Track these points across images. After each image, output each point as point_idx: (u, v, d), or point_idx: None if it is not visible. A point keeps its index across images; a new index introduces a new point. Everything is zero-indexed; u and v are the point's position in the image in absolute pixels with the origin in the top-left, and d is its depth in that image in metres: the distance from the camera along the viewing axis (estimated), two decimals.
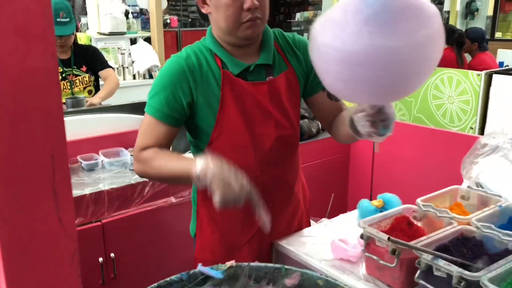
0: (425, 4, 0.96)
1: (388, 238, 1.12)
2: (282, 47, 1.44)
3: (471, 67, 4.66)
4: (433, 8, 0.97)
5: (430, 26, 0.95)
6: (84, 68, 3.01)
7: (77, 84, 2.98)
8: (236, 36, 1.32)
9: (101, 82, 3.12)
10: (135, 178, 2.15)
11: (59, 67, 2.88)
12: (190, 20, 12.72)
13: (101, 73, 3.06)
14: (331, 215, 1.81)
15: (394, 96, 1.07)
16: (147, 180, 2.14)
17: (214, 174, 1.13)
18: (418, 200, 1.39)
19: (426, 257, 1.10)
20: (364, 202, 1.67)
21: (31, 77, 0.44)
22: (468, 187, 1.52)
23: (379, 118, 1.13)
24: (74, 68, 2.98)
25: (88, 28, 4.40)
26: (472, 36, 4.78)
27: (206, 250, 1.49)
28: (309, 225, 1.67)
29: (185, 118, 1.38)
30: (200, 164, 1.16)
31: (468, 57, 4.98)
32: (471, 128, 4.42)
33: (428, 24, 0.95)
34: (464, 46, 4.85)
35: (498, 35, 7.24)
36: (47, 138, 0.45)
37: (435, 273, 1.09)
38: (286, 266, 1.06)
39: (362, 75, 0.95)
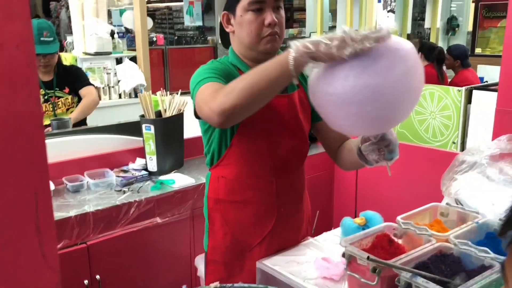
0: (400, 43, 1.09)
1: (368, 257, 1.14)
2: None
3: (453, 83, 4.75)
4: (408, 45, 1.10)
5: (406, 61, 1.07)
6: (66, 90, 3.02)
7: (60, 106, 2.99)
8: (257, 50, 1.46)
9: None
10: (120, 199, 2.16)
11: (41, 89, 2.89)
12: (176, 37, 12.79)
13: (81, 91, 3.04)
14: (316, 232, 1.84)
15: (387, 125, 1.21)
16: (132, 201, 2.15)
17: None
18: (398, 218, 1.42)
19: (405, 275, 1.12)
20: (347, 220, 1.70)
21: (16, 121, 0.46)
22: (447, 204, 1.56)
23: (384, 145, 1.28)
24: (57, 90, 2.98)
25: (73, 48, 4.42)
26: (455, 53, 4.87)
27: (218, 252, 1.58)
28: (311, 234, 1.75)
29: None
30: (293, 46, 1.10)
31: (452, 73, 5.07)
32: (454, 142, 4.50)
33: (404, 59, 1.07)
34: (447, 63, 4.95)
35: (478, 50, 7.40)
36: (31, 178, 0.47)
37: None
38: (270, 287, 1.08)
39: (355, 112, 1.08)
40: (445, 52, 5.04)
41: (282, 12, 1.46)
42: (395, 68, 1.05)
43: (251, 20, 1.41)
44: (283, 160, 1.53)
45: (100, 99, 4.09)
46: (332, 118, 1.16)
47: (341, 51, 1.03)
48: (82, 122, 3.12)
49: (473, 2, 8.98)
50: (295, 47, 1.10)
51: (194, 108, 1.42)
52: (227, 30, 1.50)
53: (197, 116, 1.45)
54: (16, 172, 0.47)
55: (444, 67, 5.23)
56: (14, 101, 0.46)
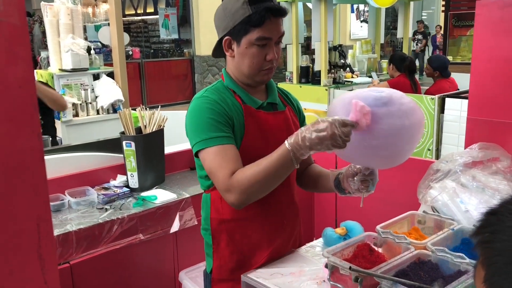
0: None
1: (350, 268, 1.18)
2: (280, 92, 1.69)
3: (428, 93, 4.84)
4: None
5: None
6: None
7: None
8: (253, 80, 1.53)
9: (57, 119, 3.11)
10: (102, 217, 2.15)
11: None
12: (152, 51, 12.78)
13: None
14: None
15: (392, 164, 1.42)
16: (114, 218, 2.15)
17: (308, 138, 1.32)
18: (378, 227, 1.47)
19: (386, 283, 1.17)
20: (328, 231, 1.74)
21: (20, 156, 0.49)
22: (424, 211, 1.61)
23: (370, 178, 1.45)
24: None
25: (48, 64, 4.39)
26: (434, 65, 4.95)
27: (224, 270, 1.59)
28: (303, 244, 1.78)
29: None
30: (290, 141, 1.35)
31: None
32: (429, 149, 4.62)
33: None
34: (427, 72, 5.05)
35: (449, 58, 7.59)
36: (33, 208, 0.49)
37: None
38: None
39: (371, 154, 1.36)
40: (425, 62, 5.13)
41: (281, 44, 1.53)
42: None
43: (255, 54, 1.46)
44: None
45: (78, 115, 4.08)
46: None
47: (335, 146, 1.28)
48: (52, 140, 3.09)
49: (442, 12, 9.25)
50: (293, 147, 1.33)
51: (194, 149, 1.48)
52: (227, 53, 1.53)
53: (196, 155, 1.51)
54: (20, 204, 0.49)
55: (417, 76, 5.35)
56: (18, 137, 0.48)
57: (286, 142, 1.35)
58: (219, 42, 1.53)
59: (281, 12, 1.46)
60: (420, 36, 12.45)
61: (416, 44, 12.34)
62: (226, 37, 1.49)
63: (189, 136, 1.50)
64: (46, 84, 3.26)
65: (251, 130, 1.51)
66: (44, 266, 0.50)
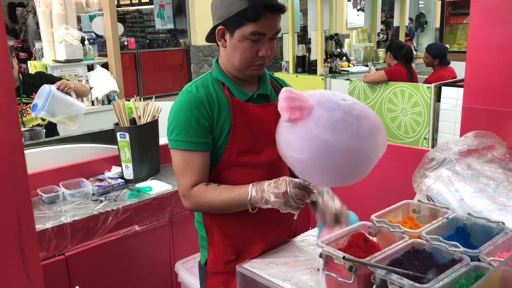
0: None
1: (344, 257, 1.18)
2: (274, 82, 1.66)
3: (427, 82, 4.82)
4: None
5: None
6: (34, 95, 2.97)
7: (29, 111, 2.94)
8: (243, 73, 1.52)
9: None
10: (97, 209, 2.15)
11: None
12: (147, 41, 12.70)
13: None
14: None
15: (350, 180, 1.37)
16: (109, 210, 2.14)
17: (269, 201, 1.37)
18: (372, 217, 1.46)
19: (380, 272, 1.16)
20: None
21: None
22: (419, 201, 1.61)
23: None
24: (24, 97, 2.94)
25: (43, 55, 4.35)
26: (433, 52, 4.92)
27: (219, 263, 1.60)
28: (298, 234, 1.80)
29: (211, 141, 1.49)
30: (252, 192, 1.40)
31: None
32: (425, 138, 4.62)
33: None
34: (426, 61, 5.03)
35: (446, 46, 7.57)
36: (14, 202, 0.48)
37: (390, 287, 1.15)
38: None
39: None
40: (425, 51, 5.11)
41: (276, 40, 1.51)
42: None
43: (247, 48, 1.44)
44: (272, 169, 1.57)
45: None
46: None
47: (285, 207, 1.37)
48: (54, 131, 3.08)
49: (439, 0, 9.20)
50: (254, 197, 1.40)
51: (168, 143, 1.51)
52: (219, 43, 1.51)
53: None
54: (0, 197, 0.48)
55: (415, 65, 5.32)
56: None
57: (250, 186, 1.41)
58: (213, 29, 1.51)
59: (279, 9, 1.44)
60: (382, 26, 11.04)
61: (378, 35, 11.16)
62: (220, 27, 1.47)
63: (167, 127, 1.50)
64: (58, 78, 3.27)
65: (239, 124, 1.50)
66: (26, 260, 0.49)
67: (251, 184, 1.41)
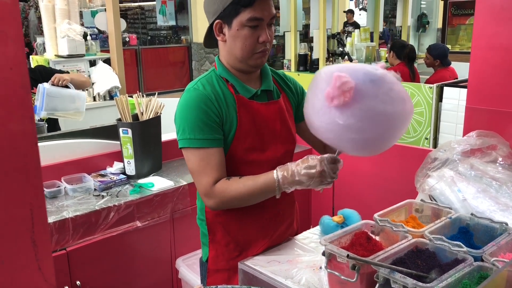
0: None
1: (347, 255, 1.18)
2: (275, 77, 1.65)
3: (429, 82, 4.81)
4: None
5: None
6: (35, 90, 2.96)
7: None
8: (247, 64, 1.50)
9: None
10: (99, 204, 2.15)
11: None
12: (149, 37, 12.68)
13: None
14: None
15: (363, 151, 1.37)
16: (111, 205, 2.14)
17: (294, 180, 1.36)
18: (375, 216, 1.46)
19: (383, 271, 1.16)
20: (325, 219, 1.74)
21: (12, 140, 0.47)
22: (422, 200, 1.61)
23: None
24: None
25: (44, 50, 4.35)
26: (434, 53, 4.89)
27: (221, 260, 1.59)
28: (300, 232, 1.79)
29: (222, 137, 1.48)
30: (279, 177, 1.38)
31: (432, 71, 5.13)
32: (426, 138, 4.61)
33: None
34: (427, 62, 5.01)
35: (448, 47, 7.57)
36: (26, 194, 0.48)
37: (393, 285, 1.15)
38: (253, 287, 1.11)
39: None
40: (426, 51, 5.09)
41: (273, 27, 1.50)
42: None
43: (247, 36, 1.44)
44: (277, 166, 1.52)
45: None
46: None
47: (320, 185, 1.36)
48: (55, 126, 3.07)
49: (441, 0, 9.18)
50: (282, 181, 1.38)
51: (179, 144, 1.48)
52: (218, 38, 1.50)
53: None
54: (13, 189, 0.48)
55: (416, 65, 5.30)
56: (9, 121, 0.47)
57: (275, 171, 1.39)
58: (210, 28, 1.50)
59: None
60: (350, 28, 10.79)
61: (346, 38, 10.31)
62: (217, 21, 1.47)
63: (177, 127, 1.48)
64: (58, 70, 3.25)
65: (244, 121, 1.49)
66: (38, 253, 0.49)
67: (276, 169, 1.40)
